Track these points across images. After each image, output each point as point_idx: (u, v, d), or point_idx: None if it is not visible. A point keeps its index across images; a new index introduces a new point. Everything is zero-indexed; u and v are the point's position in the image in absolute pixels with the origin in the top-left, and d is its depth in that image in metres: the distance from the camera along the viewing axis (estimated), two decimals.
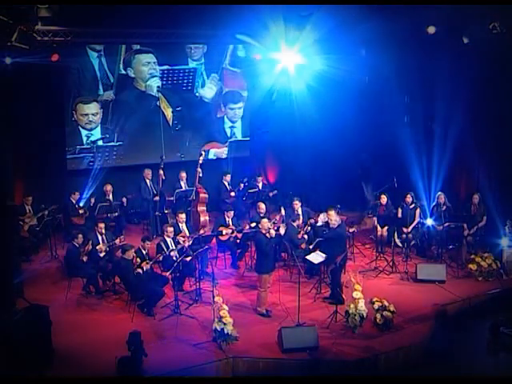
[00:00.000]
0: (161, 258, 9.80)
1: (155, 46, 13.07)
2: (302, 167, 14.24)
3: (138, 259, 9.54)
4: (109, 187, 12.20)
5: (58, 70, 12.13)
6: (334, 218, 9.63)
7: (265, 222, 9.32)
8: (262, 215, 11.15)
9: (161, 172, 12.24)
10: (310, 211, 11.65)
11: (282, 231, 9.90)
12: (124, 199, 12.18)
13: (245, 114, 14.62)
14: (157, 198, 12.29)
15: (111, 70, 12.92)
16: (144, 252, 9.78)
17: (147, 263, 9.47)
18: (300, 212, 11.18)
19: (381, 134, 13.22)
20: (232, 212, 11.34)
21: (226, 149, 14.51)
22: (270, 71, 13.75)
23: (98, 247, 10.20)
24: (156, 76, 13.37)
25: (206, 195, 12.38)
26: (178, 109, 13.70)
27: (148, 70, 13.29)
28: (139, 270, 9.31)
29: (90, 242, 10.14)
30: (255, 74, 14.31)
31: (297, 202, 11.31)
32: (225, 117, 14.38)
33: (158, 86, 13.42)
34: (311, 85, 13.39)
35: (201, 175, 12.44)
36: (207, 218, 12.17)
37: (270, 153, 14.98)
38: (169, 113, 13.65)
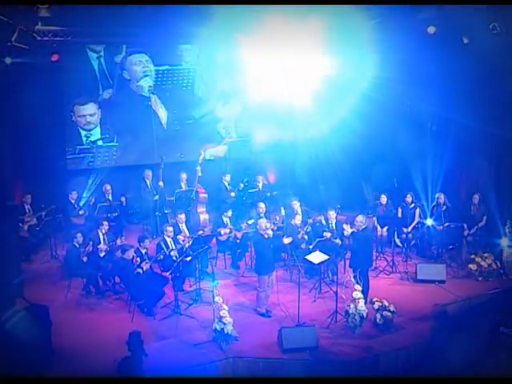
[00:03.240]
0: (161, 257, 9.79)
1: (156, 46, 13.08)
2: (301, 167, 14.24)
3: (138, 259, 9.54)
4: (108, 187, 12.21)
5: (58, 70, 12.15)
6: (359, 220, 9.57)
7: (262, 222, 9.30)
8: (261, 215, 11.15)
9: (160, 183, 12.22)
10: (309, 211, 11.64)
11: (287, 241, 9.89)
12: (123, 198, 12.18)
13: (242, 113, 14.62)
14: (156, 198, 12.30)
15: (111, 71, 12.93)
16: (143, 252, 9.78)
17: (147, 263, 9.47)
18: (299, 212, 11.18)
19: (381, 133, 13.22)
20: (230, 212, 11.33)
21: (223, 148, 14.48)
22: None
23: (98, 247, 10.20)
24: (149, 75, 13.34)
25: (206, 195, 12.39)
26: (174, 112, 13.71)
27: (141, 69, 13.28)
28: (139, 270, 9.31)
29: (91, 242, 10.14)
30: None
31: (295, 201, 11.33)
32: (217, 117, 14.36)
33: (150, 86, 13.40)
34: (311, 84, 13.38)
35: (200, 175, 12.44)
36: (207, 218, 12.18)
37: (270, 153, 14.97)
38: (163, 114, 13.64)
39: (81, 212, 11.83)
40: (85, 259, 9.99)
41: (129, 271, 9.37)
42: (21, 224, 11.03)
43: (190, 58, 13.72)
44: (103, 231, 10.44)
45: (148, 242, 9.99)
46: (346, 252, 10.48)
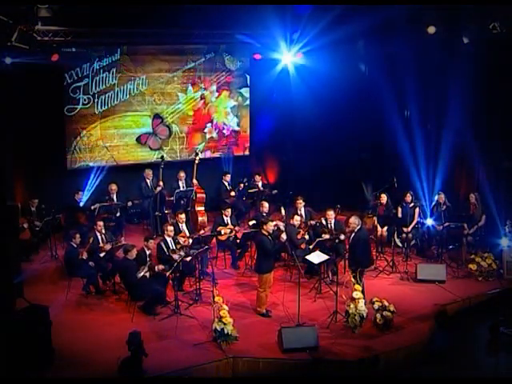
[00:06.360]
0: (161, 257, 9.74)
1: (155, 46, 13.08)
2: (302, 167, 14.24)
3: (147, 269, 9.51)
4: (114, 187, 12.12)
5: (58, 70, 12.14)
6: (352, 221, 9.52)
7: (270, 225, 9.27)
8: (265, 214, 11.11)
9: (160, 183, 12.21)
10: (312, 211, 11.54)
11: (284, 237, 9.76)
12: (129, 203, 12.17)
13: (240, 112, 14.60)
14: (158, 189, 12.26)
15: (112, 71, 12.91)
16: (148, 252, 9.75)
17: (161, 269, 9.53)
18: (302, 212, 11.13)
19: (381, 133, 13.22)
20: (229, 210, 11.32)
21: (223, 147, 14.48)
22: (270, 70, 13.78)
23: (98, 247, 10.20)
24: (156, 80, 13.39)
25: (204, 195, 12.39)
26: (174, 111, 13.73)
27: (150, 71, 13.31)
28: (146, 275, 9.32)
29: (91, 240, 10.11)
30: (255, 74, 14.31)
31: (300, 201, 11.15)
32: (218, 116, 14.35)
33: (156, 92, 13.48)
34: (311, 84, 13.41)
35: (196, 175, 12.41)
36: (205, 217, 12.18)
37: (270, 153, 14.98)
38: (166, 114, 13.68)
39: (83, 211, 11.82)
40: (85, 256, 9.95)
41: (130, 272, 9.36)
42: (24, 226, 11.01)
43: (192, 57, 13.71)
44: (100, 230, 10.41)
45: (152, 241, 9.95)
46: (346, 252, 10.48)
